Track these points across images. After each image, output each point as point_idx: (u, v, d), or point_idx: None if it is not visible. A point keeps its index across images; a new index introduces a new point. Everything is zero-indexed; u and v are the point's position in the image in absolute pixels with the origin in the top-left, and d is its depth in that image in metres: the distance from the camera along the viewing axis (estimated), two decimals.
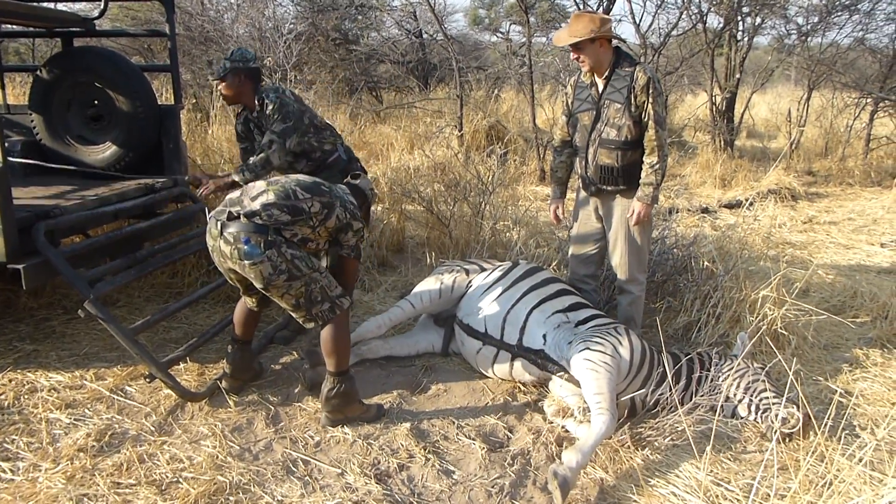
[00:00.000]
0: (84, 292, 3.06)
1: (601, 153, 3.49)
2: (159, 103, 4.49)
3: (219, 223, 2.80)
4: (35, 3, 4.55)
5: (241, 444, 2.90)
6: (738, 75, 10.00)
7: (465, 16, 18.36)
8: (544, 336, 3.26)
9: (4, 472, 2.66)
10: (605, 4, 8.26)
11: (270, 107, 3.71)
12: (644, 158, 3.43)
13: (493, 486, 2.67)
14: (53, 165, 4.23)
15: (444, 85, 12.70)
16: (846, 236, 6.70)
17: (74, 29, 4.54)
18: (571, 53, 3.46)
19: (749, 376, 3.16)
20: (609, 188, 3.56)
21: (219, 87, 3.88)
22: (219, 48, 9.13)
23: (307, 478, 2.70)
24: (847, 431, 3.00)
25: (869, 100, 10.06)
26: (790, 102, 11.48)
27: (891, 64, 9.82)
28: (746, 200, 7.49)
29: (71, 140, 4.39)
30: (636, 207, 3.46)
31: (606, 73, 3.43)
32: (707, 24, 9.82)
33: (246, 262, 2.74)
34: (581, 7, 8.51)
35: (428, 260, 4.84)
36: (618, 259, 3.63)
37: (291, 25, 9.13)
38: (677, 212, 6.59)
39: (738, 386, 3.15)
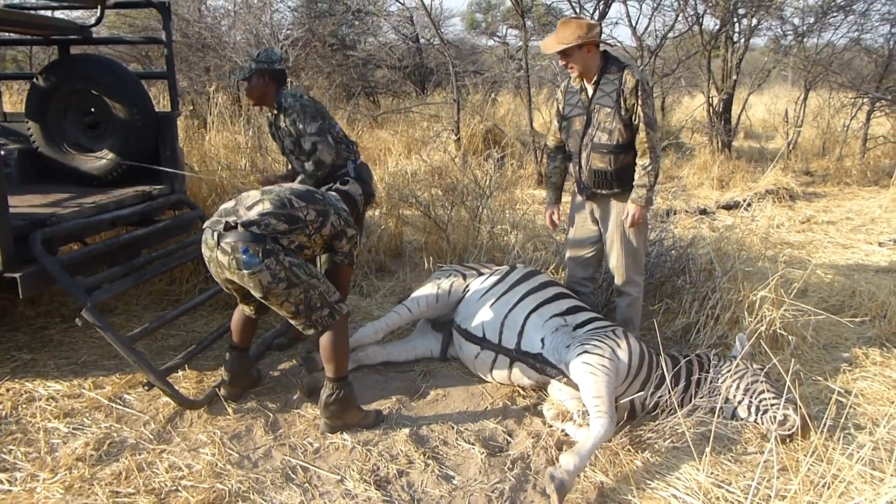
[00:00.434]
0: (81, 300, 3.06)
1: (594, 157, 3.50)
2: (156, 110, 4.50)
3: (215, 233, 2.79)
4: (31, 11, 4.56)
5: (240, 451, 2.90)
6: (734, 76, 10.02)
7: (462, 20, 18.40)
8: (542, 340, 3.26)
9: (2, 482, 2.64)
10: (601, 8, 8.28)
11: (288, 112, 3.73)
12: (636, 161, 3.44)
13: (493, 491, 2.66)
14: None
15: (441, 89, 12.72)
16: (844, 236, 6.71)
17: (71, 37, 4.55)
18: (560, 60, 3.47)
19: (748, 377, 3.16)
20: (604, 192, 3.57)
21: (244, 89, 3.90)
22: (216, 55, 9.14)
23: (306, 485, 2.69)
24: (847, 431, 3.00)
25: (865, 100, 10.09)
26: (787, 103, 11.50)
27: (886, 64, 9.85)
28: (744, 201, 7.50)
29: (68, 148, 4.39)
30: (630, 209, 3.46)
31: (595, 78, 3.44)
32: (703, 26, 9.88)
33: (245, 271, 2.73)
34: (578, 11, 8.52)
35: (426, 264, 4.84)
36: (615, 262, 3.64)
37: (288, 31, 9.13)
38: (675, 213, 6.60)
39: (737, 387, 3.14)
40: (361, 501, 2.58)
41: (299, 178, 3.80)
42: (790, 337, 3.77)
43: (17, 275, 3.05)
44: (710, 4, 9.56)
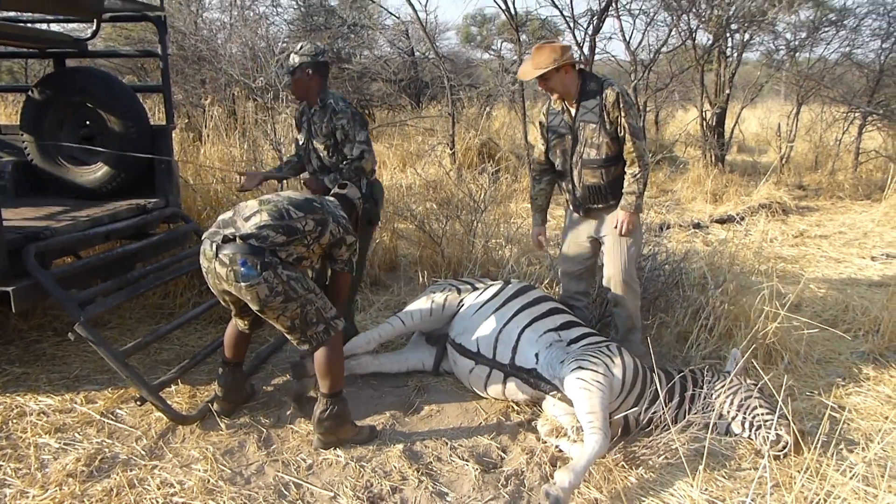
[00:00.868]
0: (74, 314, 3.04)
1: (586, 174, 3.53)
2: (151, 123, 4.50)
3: (214, 245, 2.79)
4: (27, 24, 4.57)
5: (232, 467, 2.88)
6: (727, 91, 10.10)
7: (457, 33, 18.47)
8: (536, 355, 3.26)
9: None
10: (595, 23, 8.34)
11: (338, 115, 3.71)
12: (626, 170, 3.48)
13: None
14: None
15: (436, 103, 12.76)
16: (837, 250, 6.74)
17: (67, 49, 4.55)
18: (538, 85, 3.49)
19: (742, 393, 3.16)
20: (599, 206, 3.59)
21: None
22: (212, 67, 9.15)
23: (299, 501, 2.67)
24: (841, 446, 3.00)
25: (857, 114, 10.18)
26: (780, 117, 11.59)
27: (878, 78, 9.94)
28: (737, 215, 7.54)
29: (62, 160, 4.39)
30: (620, 216, 3.50)
31: (576, 97, 3.47)
32: (696, 41, 9.95)
33: (242, 283, 2.73)
34: (572, 25, 8.59)
35: (420, 279, 4.84)
36: (611, 271, 3.64)
37: (284, 45, 9.16)
38: (669, 227, 6.62)
39: (731, 403, 3.14)
40: None
41: (329, 176, 3.79)
42: (784, 352, 3.78)
43: (9, 289, 3.03)
44: (702, 20, 9.65)
